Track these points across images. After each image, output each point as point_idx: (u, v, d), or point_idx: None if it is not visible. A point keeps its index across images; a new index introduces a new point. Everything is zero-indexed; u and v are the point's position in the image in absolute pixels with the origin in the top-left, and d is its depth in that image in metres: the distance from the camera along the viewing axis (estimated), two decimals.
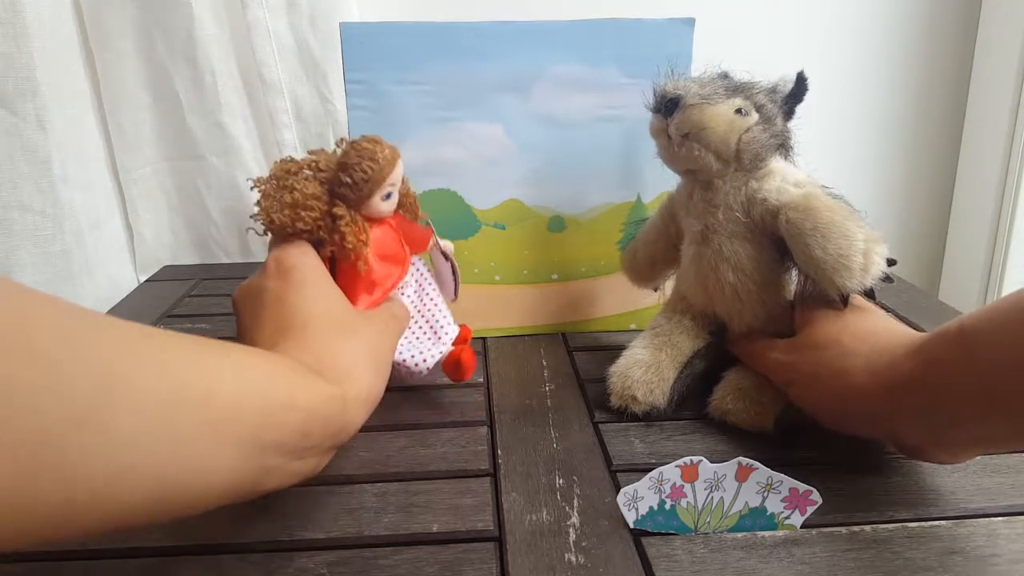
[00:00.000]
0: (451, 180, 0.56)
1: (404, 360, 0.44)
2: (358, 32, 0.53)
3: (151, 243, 0.80)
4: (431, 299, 0.48)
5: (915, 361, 0.35)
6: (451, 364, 0.47)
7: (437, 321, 0.47)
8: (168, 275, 0.79)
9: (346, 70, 0.53)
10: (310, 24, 0.75)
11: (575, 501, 0.38)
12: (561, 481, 0.40)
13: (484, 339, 0.59)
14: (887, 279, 0.41)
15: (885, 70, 0.88)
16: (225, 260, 0.84)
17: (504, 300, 0.59)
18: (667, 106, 0.44)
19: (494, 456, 0.43)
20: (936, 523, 0.36)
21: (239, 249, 0.83)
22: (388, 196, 0.42)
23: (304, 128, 0.79)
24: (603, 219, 0.58)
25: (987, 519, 0.36)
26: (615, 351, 0.49)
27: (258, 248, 0.83)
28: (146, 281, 0.78)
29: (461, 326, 0.48)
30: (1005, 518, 0.37)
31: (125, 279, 0.78)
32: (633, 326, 0.61)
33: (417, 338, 0.46)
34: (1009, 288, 0.86)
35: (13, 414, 0.20)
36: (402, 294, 0.46)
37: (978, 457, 0.41)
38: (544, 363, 0.55)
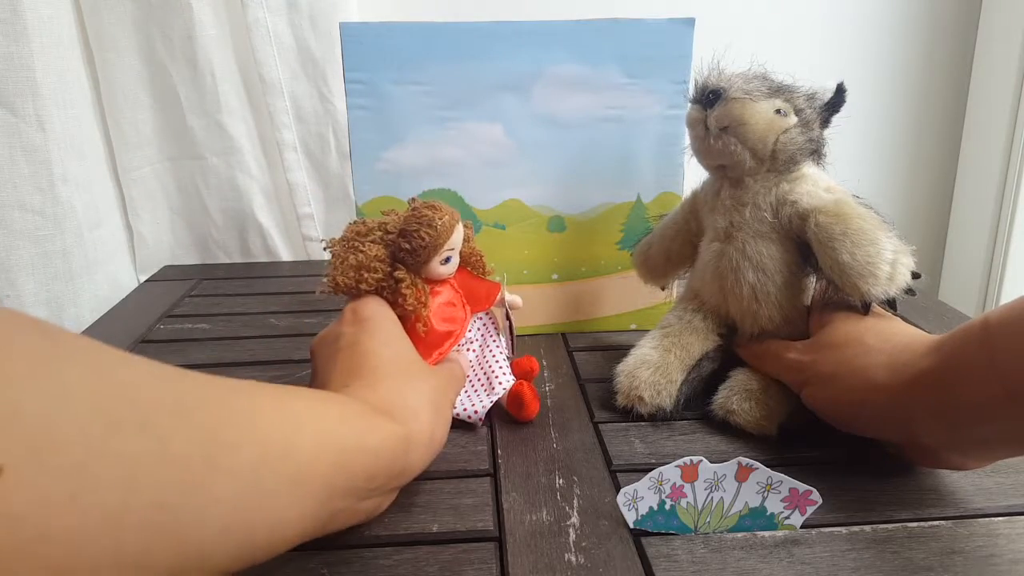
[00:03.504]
0: (451, 180, 0.56)
1: (458, 413, 0.45)
2: (358, 32, 0.53)
3: (151, 243, 0.80)
4: (491, 353, 0.48)
5: (935, 357, 0.34)
6: (513, 401, 0.46)
7: (493, 373, 0.47)
8: (168, 275, 0.79)
9: (346, 70, 0.53)
10: (310, 24, 0.75)
11: (575, 501, 0.38)
12: (561, 481, 0.40)
13: None
14: (910, 292, 0.41)
15: (885, 70, 0.88)
16: (225, 260, 0.84)
17: None
18: (708, 97, 0.43)
19: (494, 456, 0.43)
20: (936, 523, 0.36)
21: (239, 249, 0.83)
22: (447, 260, 0.43)
23: (304, 128, 0.79)
24: (603, 219, 0.58)
25: (987, 519, 0.36)
26: (615, 351, 0.49)
27: (258, 249, 0.83)
28: (146, 281, 0.78)
29: (525, 359, 0.48)
30: (1005, 518, 0.37)
31: (125, 279, 0.78)
32: (633, 326, 0.61)
33: (475, 389, 0.47)
34: (1009, 288, 0.86)
35: (133, 484, 0.21)
36: (468, 350, 0.47)
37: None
38: (544, 363, 0.55)
